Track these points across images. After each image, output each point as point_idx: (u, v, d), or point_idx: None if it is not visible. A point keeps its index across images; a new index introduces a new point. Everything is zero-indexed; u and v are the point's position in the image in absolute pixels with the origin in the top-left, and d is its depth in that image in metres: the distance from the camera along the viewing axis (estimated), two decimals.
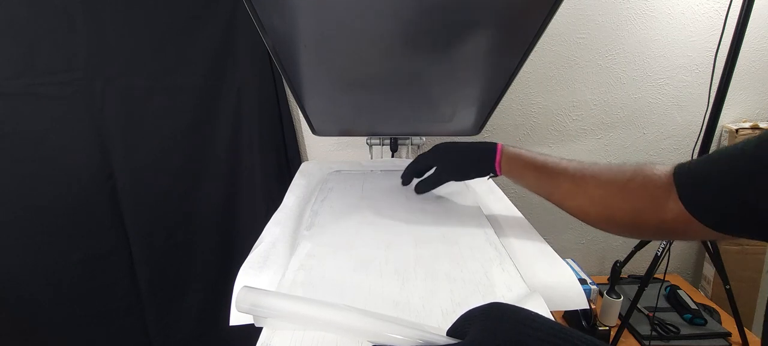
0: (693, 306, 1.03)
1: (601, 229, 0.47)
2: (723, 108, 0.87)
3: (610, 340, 0.97)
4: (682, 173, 0.39)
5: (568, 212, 0.50)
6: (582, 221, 0.49)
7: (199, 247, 1.11)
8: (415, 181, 0.65)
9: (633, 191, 0.43)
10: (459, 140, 0.61)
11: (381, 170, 0.80)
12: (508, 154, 0.55)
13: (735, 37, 0.82)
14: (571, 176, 0.48)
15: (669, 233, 0.42)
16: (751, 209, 0.32)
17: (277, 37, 0.54)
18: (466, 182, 0.66)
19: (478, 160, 0.57)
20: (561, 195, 0.50)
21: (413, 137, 0.99)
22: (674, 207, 0.39)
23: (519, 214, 0.61)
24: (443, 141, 0.63)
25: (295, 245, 0.48)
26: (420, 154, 0.64)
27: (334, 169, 0.80)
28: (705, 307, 1.08)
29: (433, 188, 0.61)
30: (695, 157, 0.89)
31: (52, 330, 1.07)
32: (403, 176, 0.66)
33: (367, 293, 0.38)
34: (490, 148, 0.56)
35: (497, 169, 0.55)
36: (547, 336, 0.22)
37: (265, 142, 1.04)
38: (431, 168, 0.64)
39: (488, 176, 0.57)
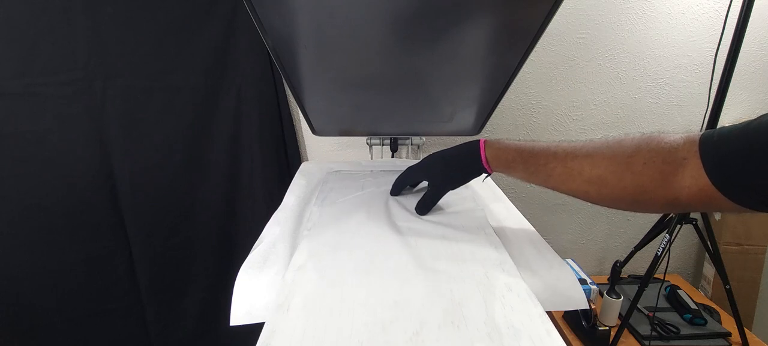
0: (693, 306, 1.03)
1: (605, 206, 0.45)
2: (723, 108, 0.87)
3: (610, 340, 0.97)
4: (709, 147, 0.36)
5: (568, 195, 0.48)
6: (583, 200, 0.46)
7: (199, 247, 1.11)
8: (411, 195, 0.64)
9: (637, 168, 0.40)
10: (450, 145, 0.59)
11: (381, 170, 0.80)
12: (492, 149, 0.52)
13: (735, 37, 0.82)
14: (562, 159, 0.46)
15: (681, 208, 0.40)
16: None
17: (277, 37, 0.54)
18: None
19: (464, 165, 0.54)
20: (555, 181, 0.47)
21: (413, 137, 0.99)
22: (690, 182, 0.37)
23: (519, 214, 0.61)
24: (443, 141, 0.62)
25: (295, 245, 0.48)
26: (409, 167, 0.62)
27: (334, 169, 0.80)
28: (705, 307, 1.08)
29: (433, 205, 0.58)
30: None
31: (52, 330, 1.07)
32: (393, 187, 0.65)
33: (367, 293, 0.38)
34: (474, 147, 0.53)
35: (486, 167, 0.52)
36: None
37: (265, 142, 1.04)
38: (421, 181, 0.64)
39: (483, 178, 0.56)
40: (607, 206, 0.45)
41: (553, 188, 0.48)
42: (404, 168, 0.63)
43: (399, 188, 0.64)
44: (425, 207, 0.57)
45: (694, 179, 0.37)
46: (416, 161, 0.64)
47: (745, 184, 0.34)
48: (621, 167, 0.41)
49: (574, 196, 0.47)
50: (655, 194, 0.40)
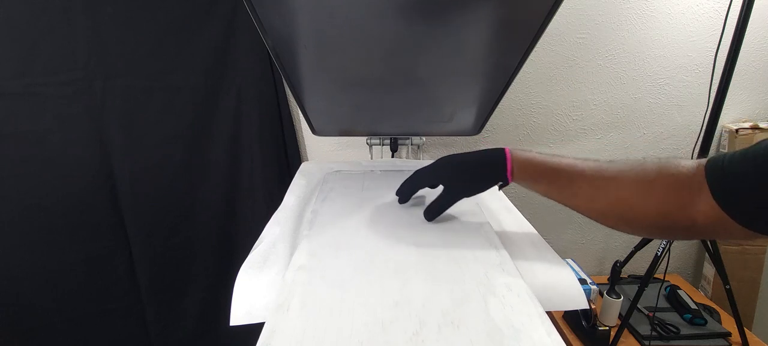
0: (693, 306, 1.03)
1: (620, 231, 0.45)
2: (723, 108, 0.87)
3: (610, 340, 0.97)
4: (715, 171, 0.37)
5: (584, 215, 0.47)
6: (599, 223, 0.46)
7: (199, 247, 1.11)
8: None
9: (658, 192, 0.40)
10: (461, 150, 0.57)
11: (381, 170, 0.80)
12: (518, 160, 0.50)
13: (735, 37, 0.82)
14: (589, 178, 0.45)
15: (699, 234, 0.40)
16: None
17: (277, 37, 0.54)
18: None
19: (487, 173, 0.52)
20: (579, 200, 0.46)
21: (413, 137, 0.99)
22: (705, 208, 0.37)
23: (519, 214, 0.61)
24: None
25: (295, 245, 0.48)
26: (419, 170, 0.57)
27: (334, 169, 0.80)
28: (705, 307, 1.08)
29: (443, 211, 0.54)
30: (695, 157, 0.89)
31: (52, 330, 1.07)
32: (400, 193, 0.59)
33: (367, 293, 0.38)
34: (499, 156, 0.50)
35: (509, 177, 0.50)
36: None
37: (265, 142, 1.04)
38: (433, 185, 0.57)
39: (498, 186, 0.54)
40: (626, 230, 0.45)
41: (575, 207, 0.47)
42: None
43: (408, 193, 0.59)
44: (434, 213, 0.54)
45: (708, 204, 0.37)
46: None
47: (753, 208, 0.34)
48: (645, 191, 0.41)
49: (593, 217, 0.46)
50: (675, 219, 0.40)
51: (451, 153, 0.56)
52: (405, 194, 0.59)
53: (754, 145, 0.35)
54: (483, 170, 0.52)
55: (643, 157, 0.43)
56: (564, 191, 0.47)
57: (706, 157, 0.39)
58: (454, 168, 0.54)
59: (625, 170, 0.43)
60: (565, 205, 0.48)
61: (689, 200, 0.38)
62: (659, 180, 0.41)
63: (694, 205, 0.38)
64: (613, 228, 0.45)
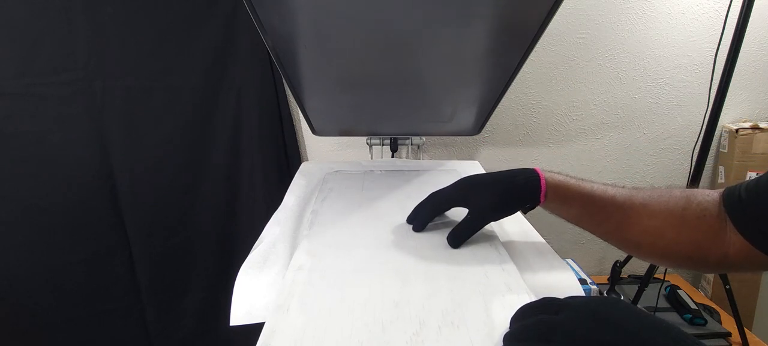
0: (693, 306, 1.03)
1: (652, 262, 0.44)
2: (723, 108, 0.87)
3: None
4: (733, 204, 0.36)
5: (615, 245, 0.46)
6: (631, 254, 0.45)
7: (199, 247, 1.11)
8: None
9: (691, 223, 0.39)
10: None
11: (381, 170, 0.80)
12: (552, 183, 0.46)
13: (735, 37, 0.82)
14: (620, 205, 0.43)
15: (732, 267, 0.39)
16: None
17: (277, 37, 0.54)
18: None
19: (520, 193, 0.47)
20: (610, 227, 0.44)
21: (413, 137, 0.99)
22: (735, 239, 0.37)
23: (519, 214, 0.60)
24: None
25: (295, 245, 0.48)
26: (436, 192, 0.51)
27: (334, 169, 0.80)
28: (705, 307, 1.08)
29: (470, 236, 0.48)
30: (695, 157, 0.89)
31: (52, 330, 1.07)
32: (415, 219, 0.52)
33: (367, 293, 0.38)
34: (532, 176, 0.46)
35: (541, 199, 0.47)
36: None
37: (265, 142, 1.04)
38: (455, 207, 0.51)
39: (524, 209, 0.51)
40: (660, 263, 0.44)
41: (605, 234, 0.46)
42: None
43: (426, 219, 0.51)
44: (460, 238, 0.47)
45: (736, 236, 0.36)
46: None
47: None
48: (677, 220, 0.40)
49: (621, 247, 0.45)
50: (708, 252, 0.39)
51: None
52: (422, 219, 0.51)
53: (763, 174, 0.35)
54: (515, 190, 0.47)
55: (668, 187, 0.43)
56: (596, 216, 0.45)
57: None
58: (483, 187, 0.49)
59: (655, 198, 0.42)
60: (594, 232, 0.47)
61: (722, 231, 0.38)
62: (690, 209, 0.40)
63: (725, 236, 0.37)
64: (644, 259, 0.45)
